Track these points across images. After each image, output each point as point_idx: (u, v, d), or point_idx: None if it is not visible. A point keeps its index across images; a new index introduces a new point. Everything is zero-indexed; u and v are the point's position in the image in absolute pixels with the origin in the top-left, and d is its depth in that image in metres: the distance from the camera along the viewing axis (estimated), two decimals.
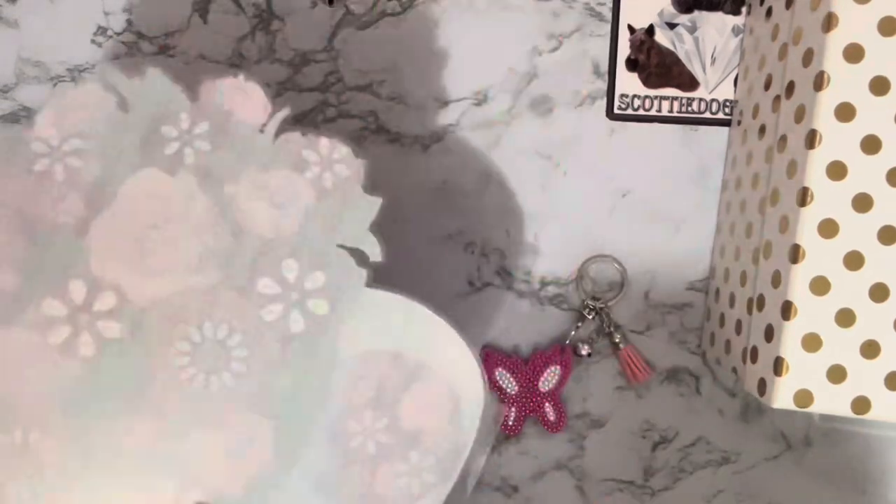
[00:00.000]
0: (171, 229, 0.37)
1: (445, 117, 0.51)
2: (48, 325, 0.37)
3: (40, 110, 0.38)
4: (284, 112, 0.38)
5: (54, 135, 0.37)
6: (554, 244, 0.52)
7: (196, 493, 0.37)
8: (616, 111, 0.51)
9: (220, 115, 0.37)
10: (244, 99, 0.38)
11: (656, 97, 0.51)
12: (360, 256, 0.37)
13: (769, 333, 0.41)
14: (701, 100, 0.51)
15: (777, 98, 0.43)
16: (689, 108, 0.51)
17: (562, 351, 0.51)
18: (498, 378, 0.51)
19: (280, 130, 0.38)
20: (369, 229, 0.38)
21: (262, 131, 0.38)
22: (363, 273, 0.37)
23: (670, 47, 0.50)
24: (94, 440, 0.37)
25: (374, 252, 0.38)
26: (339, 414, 0.37)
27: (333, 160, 0.38)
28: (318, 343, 0.37)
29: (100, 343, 0.37)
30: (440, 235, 0.51)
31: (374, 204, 0.38)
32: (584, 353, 0.51)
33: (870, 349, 0.39)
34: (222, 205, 0.37)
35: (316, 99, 0.51)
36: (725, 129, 0.51)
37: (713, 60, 0.50)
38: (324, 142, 0.38)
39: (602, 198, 0.51)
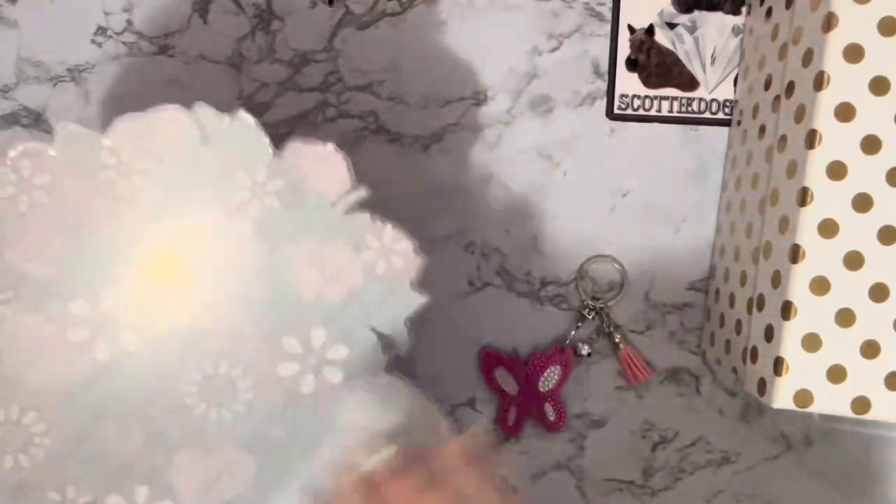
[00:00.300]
0: (215, 268, 0.38)
1: (445, 117, 0.51)
2: (72, 322, 0.38)
3: (115, 122, 0.37)
4: (360, 193, 0.38)
5: (127, 150, 0.37)
6: (554, 244, 0.52)
7: None
8: (616, 111, 0.51)
9: (298, 177, 0.38)
10: (326, 168, 0.38)
11: (656, 97, 0.51)
12: (388, 342, 0.38)
13: (769, 333, 0.41)
14: (701, 100, 0.51)
15: (777, 98, 0.43)
16: (689, 108, 0.51)
17: (562, 351, 0.51)
18: (498, 378, 0.51)
19: (351, 209, 0.38)
20: (405, 323, 0.39)
21: (333, 205, 0.38)
22: (385, 359, 0.38)
23: (670, 47, 0.50)
24: (84, 433, 0.38)
25: (403, 344, 0.39)
26: (319, 472, 0.38)
27: (392, 250, 0.38)
28: (321, 408, 0.38)
29: (116, 352, 0.38)
30: (440, 235, 0.51)
31: (417, 300, 0.39)
32: (584, 353, 0.51)
33: (870, 349, 0.39)
34: (274, 260, 0.38)
35: (316, 99, 0.51)
36: (725, 129, 0.51)
37: (713, 60, 0.50)
38: (388, 230, 0.38)
39: (602, 198, 0.51)
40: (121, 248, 0.38)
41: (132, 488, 0.38)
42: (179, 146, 0.37)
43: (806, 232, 0.39)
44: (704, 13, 0.50)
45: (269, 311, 0.38)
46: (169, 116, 0.37)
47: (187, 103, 0.50)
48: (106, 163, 0.38)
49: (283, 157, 0.38)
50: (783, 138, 0.41)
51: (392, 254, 0.38)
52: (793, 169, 0.40)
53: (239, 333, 0.38)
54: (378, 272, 0.38)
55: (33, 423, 0.38)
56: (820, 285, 0.39)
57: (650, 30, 0.50)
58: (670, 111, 0.51)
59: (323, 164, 0.38)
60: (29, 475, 0.38)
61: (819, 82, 0.38)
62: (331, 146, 0.38)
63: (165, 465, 0.38)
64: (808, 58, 0.39)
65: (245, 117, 0.38)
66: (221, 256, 0.38)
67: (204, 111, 0.38)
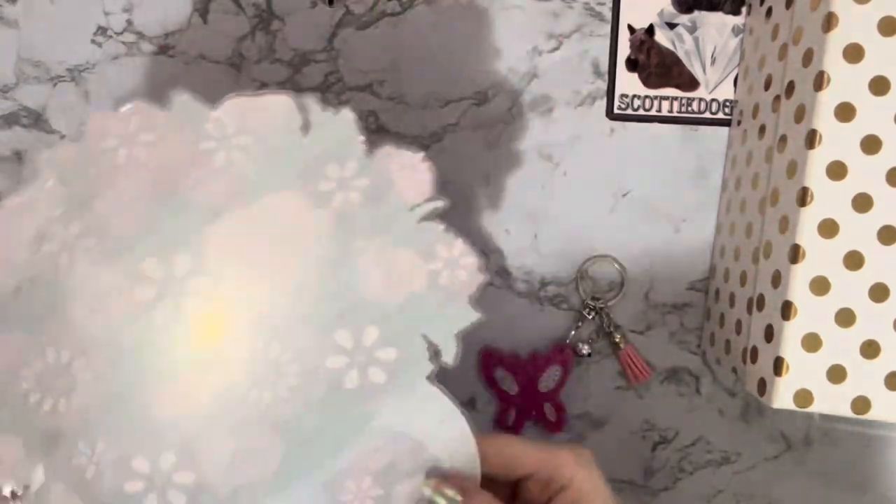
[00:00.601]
0: (288, 252, 0.38)
1: (445, 117, 0.51)
2: (141, 280, 0.38)
3: (226, 98, 0.38)
4: (439, 203, 0.39)
5: (231, 124, 0.38)
6: (554, 244, 0.52)
7: (186, 476, 0.38)
8: (616, 111, 0.51)
9: (383, 179, 0.38)
10: (411, 175, 0.39)
11: (656, 97, 0.51)
12: (436, 351, 0.39)
13: (769, 333, 0.41)
14: (701, 100, 0.51)
15: (777, 98, 0.43)
16: (689, 108, 0.51)
17: (562, 351, 0.51)
18: (498, 378, 0.51)
19: (426, 217, 0.39)
20: (456, 335, 0.39)
21: (411, 209, 0.39)
22: (430, 367, 0.39)
23: (670, 47, 0.50)
24: (125, 391, 0.38)
25: (450, 356, 0.39)
26: (344, 469, 0.38)
27: (459, 263, 0.39)
28: (360, 405, 0.38)
29: (175, 318, 0.38)
30: None
31: (472, 316, 0.39)
32: (584, 353, 0.51)
33: (870, 349, 0.39)
34: (344, 254, 0.38)
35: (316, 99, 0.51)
36: (725, 129, 0.51)
37: (713, 60, 0.50)
38: (459, 244, 0.39)
39: (602, 198, 0.51)
40: (204, 217, 0.38)
41: (159, 454, 0.38)
42: (280, 129, 0.38)
43: (806, 232, 0.39)
44: (704, 13, 0.50)
45: (330, 302, 0.38)
46: (277, 100, 0.38)
47: None
48: (210, 134, 0.38)
49: (374, 157, 0.39)
50: (783, 138, 0.41)
51: (458, 267, 0.39)
52: (793, 169, 0.40)
53: (296, 319, 0.38)
54: (441, 282, 0.39)
55: (80, 371, 0.38)
56: (820, 285, 0.39)
57: (650, 30, 0.50)
58: (670, 111, 0.51)
59: (409, 171, 0.39)
60: (63, 422, 0.38)
61: (819, 82, 0.38)
62: (420, 155, 0.39)
63: (195, 437, 0.38)
64: (808, 58, 0.39)
65: (347, 114, 0.39)
66: (296, 241, 0.38)
67: (310, 101, 0.39)
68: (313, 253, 0.38)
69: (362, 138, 0.38)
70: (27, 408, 0.37)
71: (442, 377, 0.40)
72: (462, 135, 0.51)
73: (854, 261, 0.38)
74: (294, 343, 0.39)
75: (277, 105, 0.38)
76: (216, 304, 0.38)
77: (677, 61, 0.50)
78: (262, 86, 0.50)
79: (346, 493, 0.38)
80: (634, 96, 0.51)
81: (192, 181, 0.38)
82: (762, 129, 0.45)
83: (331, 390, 0.39)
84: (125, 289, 0.38)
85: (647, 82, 0.51)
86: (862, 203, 0.38)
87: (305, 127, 0.38)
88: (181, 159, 0.38)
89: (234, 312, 0.38)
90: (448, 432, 0.39)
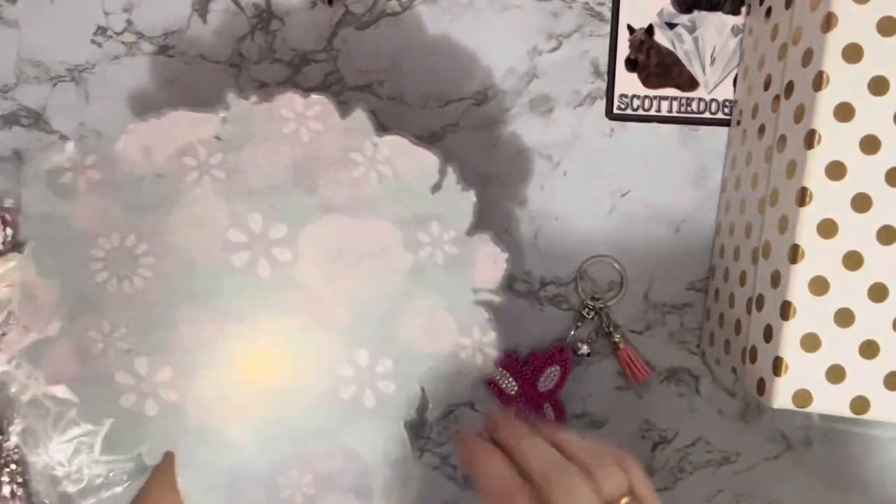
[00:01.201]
0: (364, 267, 0.42)
1: (445, 117, 0.51)
2: (241, 226, 0.41)
3: (393, 133, 0.42)
4: (496, 299, 0.44)
5: (384, 153, 0.42)
6: (554, 244, 0.52)
7: (171, 394, 0.41)
8: (616, 111, 0.51)
9: (468, 256, 0.44)
10: (490, 267, 0.44)
11: (656, 97, 0.51)
12: (423, 406, 0.43)
13: (768, 333, 0.41)
14: (700, 100, 0.51)
15: (776, 98, 0.43)
16: (689, 108, 0.51)
17: (561, 351, 0.51)
18: (498, 378, 0.51)
19: (481, 302, 0.44)
20: (445, 406, 0.44)
21: (474, 291, 0.44)
22: (412, 415, 0.43)
23: (670, 47, 0.50)
24: (170, 303, 0.41)
25: (432, 417, 0.43)
26: (296, 457, 0.42)
27: (483, 350, 0.44)
28: (341, 413, 0.42)
29: (250, 270, 0.41)
30: None
31: (465, 398, 0.46)
32: (583, 352, 0.51)
33: (869, 349, 0.39)
34: (403, 293, 0.43)
35: None
36: (725, 129, 0.51)
37: (713, 60, 0.50)
38: (492, 335, 0.44)
39: (602, 198, 0.51)
40: (317, 208, 0.42)
41: (162, 366, 0.41)
42: (418, 178, 0.43)
43: (805, 232, 0.39)
44: (704, 13, 0.50)
45: (369, 323, 0.42)
46: (428, 155, 0.43)
47: (187, 103, 0.50)
48: (364, 150, 0.42)
49: (472, 237, 0.43)
50: (782, 138, 0.41)
51: (481, 352, 0.44)
52: (792, 169, 0.40)
53: (335, 322, 0.42)
54: (461, 357, 0.43)
55: (146, 267, 0.41)
56: (819, 285, 0.39)
57: (650, 30, 0.50)
58: (670, 111, 0.51)
59: (490, 261, 0.44)
60: (103, 298, 0.41)
61: (818, 82, 0.38)
62: (505, 255, 0.44)
63: (198, 368, 0.41)
64: (807, 58, 0.39)
65: (471, 196, 0.43)
66: (375, 264, 0.42)
67: (452, 170, 0.43)
68: (381, 280, 0.42)
69: (472, 220, 0.43)
70: (82, 271, 0.40)
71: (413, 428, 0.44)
72: (462, 135, 0.51)
73: (853, 261, 0.38)
74: (322, 339, 0.42)
75: (427, 159, 0.43)
76: (283, 275, 0.41)
77: (677, 61, 0.50)
78: (262, 86, 0.51)
79: (287, 477, 0.42)
80: (634, 96, 0.51)
81: (328, 177, 0.42)
82: (762, 129, 0.45)
83: (328, 390, 0.42)
84: (225, 225, 0.41)
85: (646, 82, 0.51)
86: (861, 203, 0.38)
87: (437, 186, 0.43)
88: (330, 156, 0.42)
89: (292, 289, 0.42)
90: (395, 475, 0.42)
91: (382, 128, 0.51)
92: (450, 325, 0.43)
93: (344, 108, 0.42)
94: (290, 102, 0.42)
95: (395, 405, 0.43)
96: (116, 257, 0.41)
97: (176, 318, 0.41)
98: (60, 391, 0.41)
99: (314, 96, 0.42)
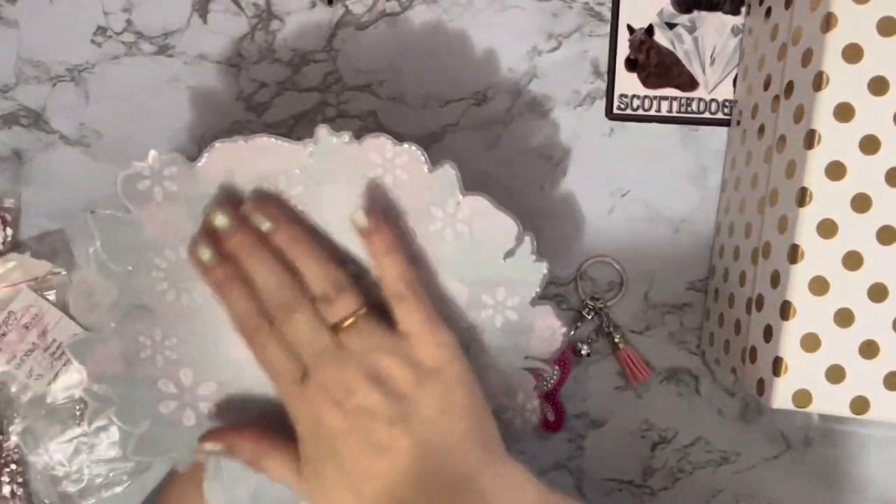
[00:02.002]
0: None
1: (445, 117, 0.51)
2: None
3: (478, 195, 0.42)
4: (545, 368, 0.45)
5: (465, 212, 0.42)
6: (554, 244, 0.52)
7: (208, 406, 0.42)
8: (615, 111, 0.51)
9: (527, 323, 0.44)
10: (546, 338, 0.44)
11: (656, 97, 0.51)
12: None
13: (768, 333, 0.41)
14: (700, 100, 0.51)
15: (776, 98, 0.43)
16: (689, 109, 0.51)
17: (561, 351, 0.51)
18: None
19: (529, 368, 0.44)
20: None
21: (525, 357, 0.44)
22: None
23: (670, 47, 0.50)
24: (221, 321, 0.41)
25: None
26: None
27: (524, 414, 0.45)
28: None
29: None
30: None
31: None
32: (583, 352, 0.51)
33: (869, 349, 0.39)
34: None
35: (316, 99, 0.51)
36: (725, 129, 0.51)
37: (712, 60, 0.50)
38: (535, 402, 0.45)
39: (602, 198, 0.51)
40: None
41: (207, 380, 0.42)
42: (494, 243, 0.43)
43: (805, 232, 0.39)
44: (704, 13, 0.50)
45: None
46: (507, 221, 0.42)
47: (187, 103, 0.50)
48: (446, 206, 0.42)
49: (536, 307, 0.43)
50: (782, 138, 0.41)
51: (520, 415, 0.45)
52: (792, 169, 0.40)
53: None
54: (503, 416, 0.45)
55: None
56: (819, 285, 0.39)
57: (650, 30, 0.50)
58: (670, 111, 0.51)
59: (548, 333, 0.44)
60: (161, 307, 0.42)
61: (818, 82, 0.38)
62: (564, 329, 0.44)
63: (242, 386, 0.43)
64: (807, 58, 0.39)
65: (542, 267, 0.43)
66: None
67: (529, 239, 0.43)
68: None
69: (539, 291, 0.43)
70: (144, 278, 0.41)
71: None
72: (462, 135, 0.51)
73: (853, 261, 0.38)
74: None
75: (506, 224, 0.42)
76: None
77: (677, 61, 0.50)
78: (262, 86, 0.51)
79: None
80: (634, 96, 0.51)
81: (403, 227, 0.42)
82: (761, 130, 0.45)
83: None
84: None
85: (646, 82, 0.51)
86: (861, 203, 0.38)
87: (510, 253, 0.43)
88: (410, 206, 0.42)
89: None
90: None
91: (382, 129, 0.51)
92: (496, 386, 0.44)
93: (433, 160, 0.42)
94: (381, 147, 0.41)
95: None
96: (180, 270, 0.41)
97: (227, 337, 0.41)
98: (100, 388, 0.41)
99: (406, 145, 0.41)
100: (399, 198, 0.41)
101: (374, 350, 0.38)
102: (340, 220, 0.41)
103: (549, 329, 0.44)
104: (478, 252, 0.42)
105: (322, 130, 0.41)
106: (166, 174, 0.40)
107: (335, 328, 0.38)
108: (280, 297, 0.38)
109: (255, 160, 0.41)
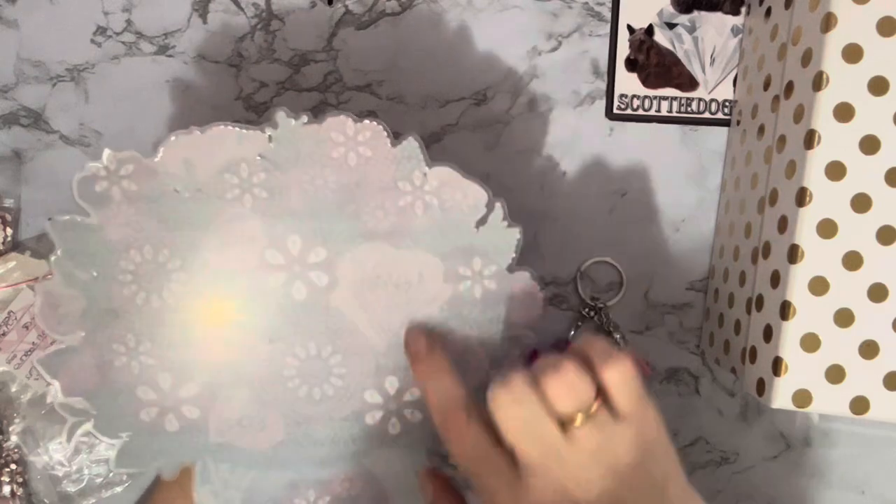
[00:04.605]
0: (400, 295, 0.42)
1: (445, 117, 0.51)
2: (278, 247, 0.41)
3: (444, 165, 0.42)
4: (531, 336, 0.44)
5: (432, 183, 0.42)
6: (554, 244, 0.52)
7: (193, 411, 0.41)
8: (615, 111, 0.51)
9: (505, 292, 0.43)
10: (529, 303, 0.44)
11: (655, 97, 0.51)
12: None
13: (768, 333, 0.41)
14: (700, 100, 0.51)
15: (776, 98, 0.43)
16: (689, 108, 0.51)
17: (561, 351, 0.51)
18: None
19: (514, 336, 0.44)
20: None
21: (508, 327, 0.44)
22: (435, 446, 0.44)
23: (670, 47, 0.50)
24: (196, 320, 0.41)
25: None
26: (315, 481, 0.43)
27: None
28: (366, 439, 0.43)
29: (285, 291, 0.41)
30: None
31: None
32: None
33: (868, 349, 0.39)
34: (437, 323, 0.43)
35: (316, 99, 0.51)
36: (724, 129, 0.51)
37: (712, 60, 0.50)
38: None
39: (602, 198, 0.51)
40: (359, 234, 0.42)
41: (185, 382, 0.41)
42: (465, 212, 0.42)
43: (805, 232, 0.39)
44: (704, 13, 0.50)
45: (402, 352, 0.42)
46: (477, 189, 0.42)
47: (187, 103, 0.50)
48: (412, 180, 0.42)
49: (513, 273, 0.43)
50: (782, 138, 0.41)
51: None
52: (792, 169, 0.40)
53: (368, 347, 0.42)
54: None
55: (176, 282, 0.41)
56: (819, 285, 0.39)
57: (650, 30, 0.50)
58: (670, 111, 0.51)
59: (527, 299, 0.43)
60: (130, 310, 0.40)
61: (818, 82, 0.38)
62: (542, 294, 0.44)
63: (225, 388, 0.42)
64: (807, 58, 0.39)
65: (515, 232, 0.43)
66: (411, 293, 0.42)
67: (500, 206, 0.43)
68: (416, 310, 0.42)
69: (515, 256, 0.43)
70: (111, 282, 0.40)
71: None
72: (462, 135, 0.51)
73: (853, 261, 0.38)
74: (354, 364, 0.42)
75: (475, 193, 0.42)
76: (318, 299, 0.41)
77: (677, 61, 0.51)
78: (262, 86, 0.51)
79: (304, 498, 0.42)
80: (634, 96, 0.51)
81: (372, 204, 0.41)
82: (761, 130, 0.45)
83: (353, 416, 0.42)
84: (262, 246, 0.41)
85: (646, 82, 0.51)
86: (861, 203, 0.38)
87: (482, 221, 0.42)
88: (377, 182, 0.41)
89: (326, 313, 0.42)
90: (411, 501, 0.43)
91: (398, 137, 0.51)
92: (480, 358, 0.43)
93: (396, 134, 0.41)
94: (341, 126, 0.41)
95: (420, 434, 0.43)
96: (147, 271, 0.40)
97: (205, 335, 0.41)
98: (77, 402, 0.40)
99: (367, 121, 0.41)
100: (365, 175, 0.41)
101: None
102: (309, 202, 0.40)
103: (528, 295, 0.43)
104: (449, 222, 0.42)
105: (280, 113, 0.40)
106: (123, 173, 0.39)
107: None
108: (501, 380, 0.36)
109: (214, 150, 0.40)
